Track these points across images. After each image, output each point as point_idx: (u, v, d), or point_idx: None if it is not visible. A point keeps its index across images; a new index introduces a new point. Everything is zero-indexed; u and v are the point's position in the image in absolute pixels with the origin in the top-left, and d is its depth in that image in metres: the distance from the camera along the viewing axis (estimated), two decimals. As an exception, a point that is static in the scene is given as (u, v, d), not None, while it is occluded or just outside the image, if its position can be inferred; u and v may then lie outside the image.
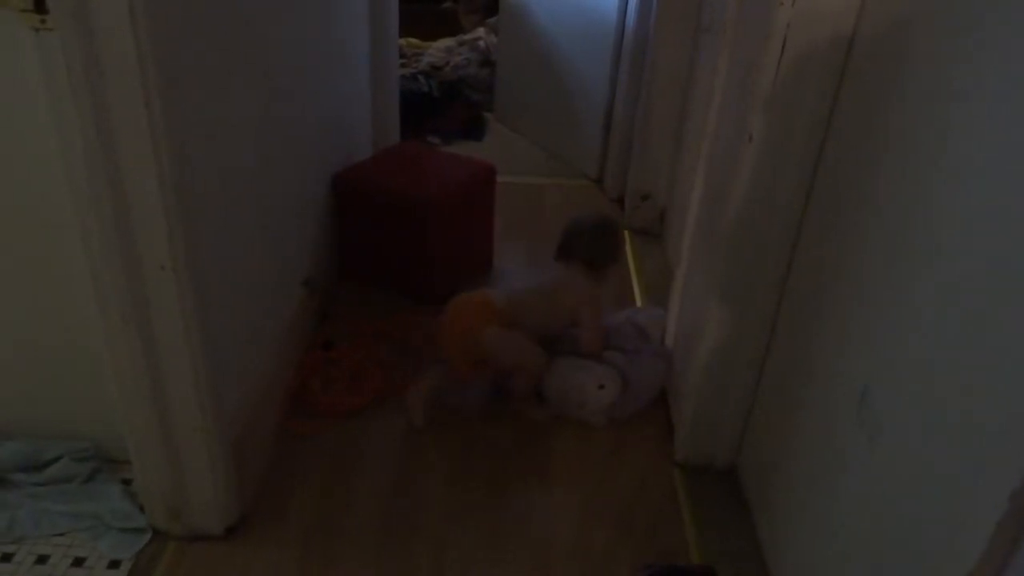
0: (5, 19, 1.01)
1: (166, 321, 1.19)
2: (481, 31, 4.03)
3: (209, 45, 1.28)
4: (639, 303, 2.29)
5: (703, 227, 1.68)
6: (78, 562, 1.38)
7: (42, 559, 1.38)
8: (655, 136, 2.54)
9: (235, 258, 1.47)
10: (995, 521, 0.72)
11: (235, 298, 1.47)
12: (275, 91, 1.66)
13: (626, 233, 2.67)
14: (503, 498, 1.60)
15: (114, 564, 1.38)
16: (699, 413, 1.62)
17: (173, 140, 1.07)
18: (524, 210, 2.78)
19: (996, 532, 0.72)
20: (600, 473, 1.67)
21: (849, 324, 1.18)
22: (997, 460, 0.76)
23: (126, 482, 1.50)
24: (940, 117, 0.96)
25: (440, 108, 3.43)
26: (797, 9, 1.22)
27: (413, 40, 3.95)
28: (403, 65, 3.55)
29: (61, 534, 1.42)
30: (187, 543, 1.42)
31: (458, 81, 3.67)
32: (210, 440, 1.32)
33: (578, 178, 3.06)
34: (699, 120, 1.93)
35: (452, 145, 3.29)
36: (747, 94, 1.36)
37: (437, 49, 3.90)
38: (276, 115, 1.67)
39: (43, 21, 0.97)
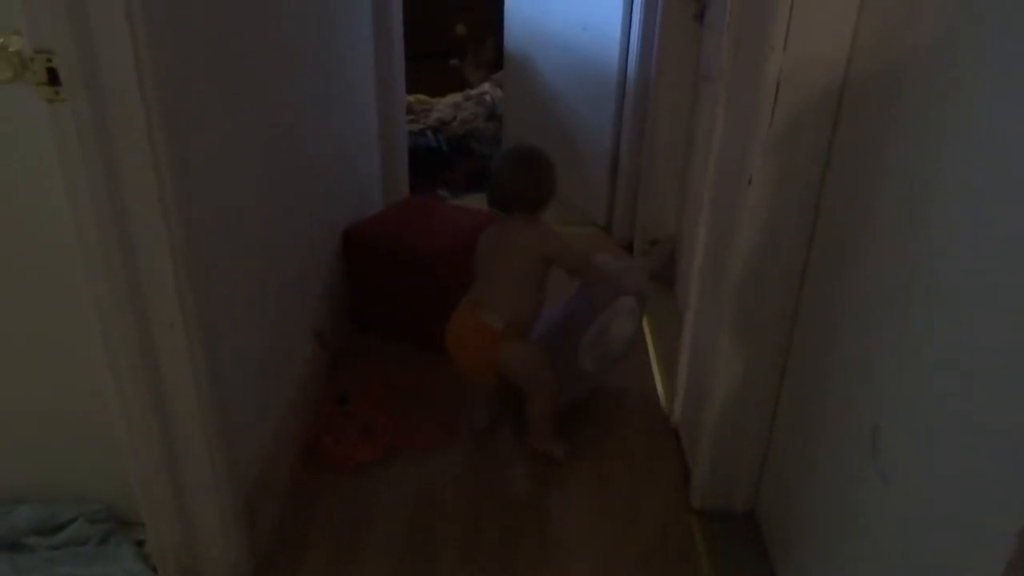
0: (20, 93, 1.05)
1: (176, 379, 1.20)
2: (487, 86, 4.11)
3: (218, 106, 1.32)
4: (650, 348, 2.29)
5: (709, 270, 1.68)
6: (91, 625, 1.38)
7: (56, 623, 1.38)
8: (661, 182, 2.57)
9: (245, 313, 1.48)
10: (1006, 560, 0.71)
11: (245, 354, 1.49)
12: (284, 149, 1.70)
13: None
14: (519, 548, 1.58)
15: (127, 627, 1.37)
16: (714, 458, 1.61)
17: (182, 202, 1.10)
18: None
19: (1007, 571, 0.71)
20: (616, 521, 1.65)
21: (858, 362, 1.17)
22: (1007, 498, 0.75)
23: (139, 543, 1.49)
24: (932, 153, 0.97)
25: (449, 162, 3.49)
26: (789, 55, 1.24)
27: (421, 96, 4.04)
28: (412, 121, 3.63)
29: (75, 597, 1.42)
30: (200, 603, 1.41)
31: (466, 135, 3.74)
32: (222, 498, 1.32)
33: (586, 225, 3.08)
34: (703, 165, 1.95)
35: (461, 198, 3.34)
36: (745, 138, 1.38)
37: (445, 104, 3.98)
38: (285, 172, 1.71)
39: (57, 93, 1.00)
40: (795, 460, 1.43)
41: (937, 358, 0.94)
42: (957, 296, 0.90)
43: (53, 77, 1.00)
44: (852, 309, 1.20)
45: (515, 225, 1.77)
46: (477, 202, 3.21)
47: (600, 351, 1.90)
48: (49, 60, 0.99)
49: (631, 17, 2.63)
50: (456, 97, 4.06)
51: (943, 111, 0.96)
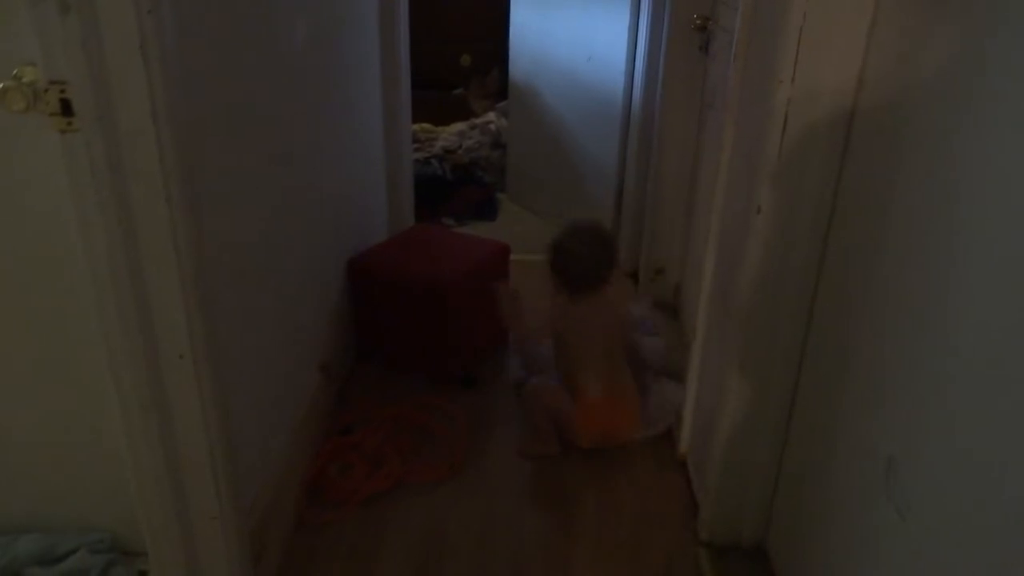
0: (32, 123, 1.05)
1: (184, 410, 1.19)
2: (492, 115, 4.14)
3: (228, 139, 1.33)
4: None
5: (717, 300, 1.68)
6: (93, 660, 1.35)
7: (56, 657, 1.36)
8: (666, 211, 2.57)
9: (252, 345, 1.48)
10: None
11: (252, 385, 1.48)
12: (292, 181, 1.70)
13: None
14: (525, 583, 1.56)
15: (129, 661, 1.35)
16: (723, 489, 1.59)
17: (192, 233, 1.10)
18: (539, 287, 2.79)
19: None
20: (624, 553, 1.63)
21: (871, 392, 1.16)
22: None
23: (143, 574, 1.48)
24: (941, 184, 0.97)
25: (453, 190, 3.50)
26: (797, 86, 1.25)
27: (427, 125, 4.06)
28: (417, 150, 3.64)
29: (76, 631, 1.40)
30: (203, 637, 1.39)
31: (470, 163, 3.75)
32: (227, 530, 1.31)
33: (591, 254, 3.08)
34: (709, 194, 1.95)
35: (466, 226, 3.35)
36: (754, 168, 1.38)
37: (450, 133, 4.00)
38: (293, 203, 1.72)
39: (69, 123, 1.01)
40: (806, 492, 1.41)
41: (954, 387, 0.93)
42: (974, 324, 0.89)
43: (66, 108, 1.00)
44: (864, 338, 1.19)
45: (601, 301, 1.92)
46: (482, 230, 3.22)
47: None
48: (63, 91, 0.99)
49: (636, 47, 2.66)
50: (461, 126, 4.08)
51: (953, 139, 0.96)
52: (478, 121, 4.10)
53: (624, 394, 1.91)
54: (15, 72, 1.02)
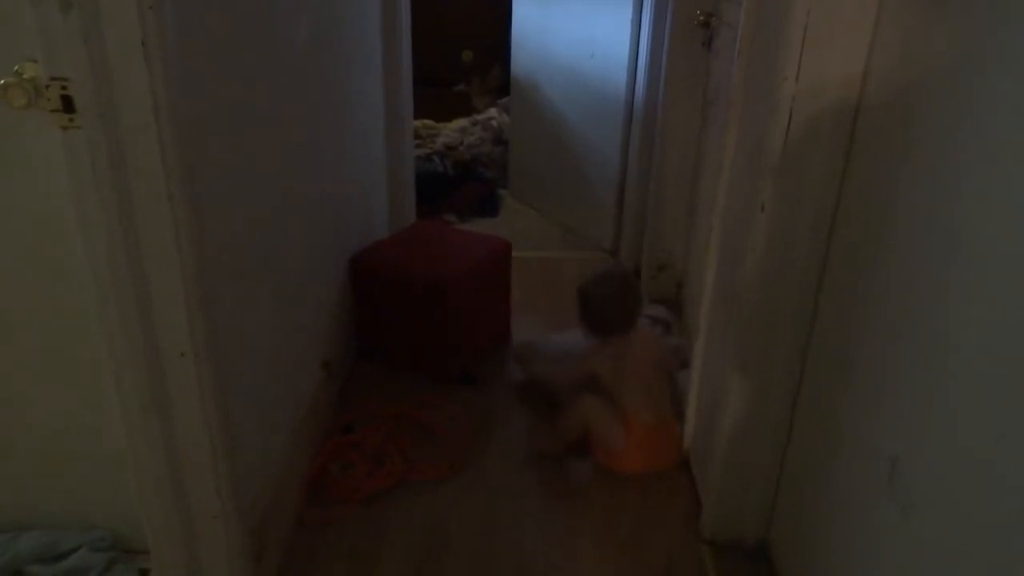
0: (33, 120, 1.05)
1: (185, 408, 1.19)
2: (493, 111, 4.13)
3: (229, 137, 1.32)
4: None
5: (719, 298, 1.67)
6: (94, 658, 1.35)
7: (58, 656, 1.35)
8: (668, 208, 2.56)
9: (252, 344, 1.47)
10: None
11: (254, 383, 1.48)
12: (294, 178, 1.69)
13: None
14: (527, 581, 1.56)
15: (130, 660, 1.35)
16: (725, 488, 1.59)
17: (193, 231, 1.10)
18: (540, 284, 2.79)
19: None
20: (627, 551, 1.63)
21: (874, 391, 1.16)
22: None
23: (144, 572, 1.47)
24: (943, 182, 0.97)
25: (455, 187, 3.50)
26: (801, 83, 1.24)
27: (428, 121, 4.05)
28: (418, 146, 3.63)
29: (77, 629, 1.40)
30: (205, 636, 1.39)
31: (472, 160, 3.74)
32: (228, 528, 1.30)
33: (593, 251, 3.08)
34: (711, 191, 1.95)
35: (468, 222, 3.34)
36: (757, 166, 1.37)
37: (451, 129, 3.99)
38: (294, 200, 1.71)
39: (71, 120, 1.00)
40: (809, 491, 1.41)
41: (956, 386, 0.92)
42: (976, 322, 0.89)
43: (67, 104, 0.99)
44: (866, 336, 1.19)
45: (634, 340, 1.98)
46: (483, 226, 3.21)
47: None
48: (64, 87, 0.98)
49: (639, 44, 2.65)
50: (463, 122, 4.07)
51: (955, 138, 0.95)
52: (480, 117, 4.09)
53: (669, 424, 1.91)
54: (16, 68, 1.02)
